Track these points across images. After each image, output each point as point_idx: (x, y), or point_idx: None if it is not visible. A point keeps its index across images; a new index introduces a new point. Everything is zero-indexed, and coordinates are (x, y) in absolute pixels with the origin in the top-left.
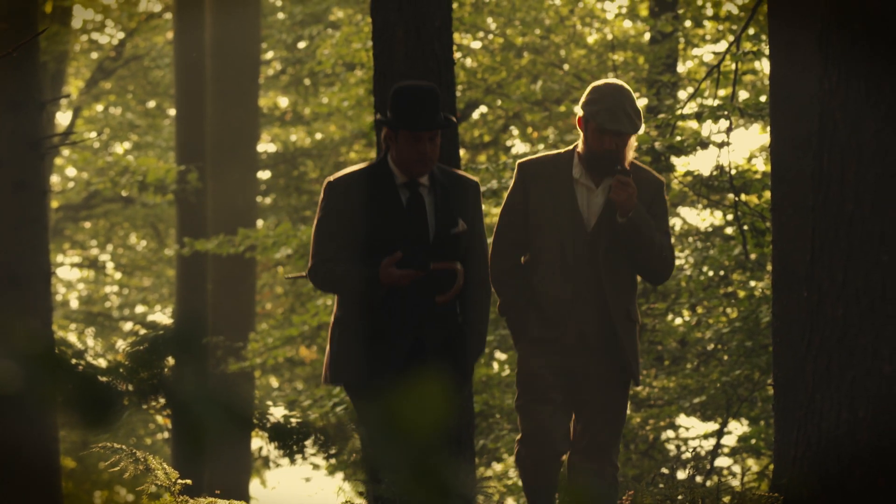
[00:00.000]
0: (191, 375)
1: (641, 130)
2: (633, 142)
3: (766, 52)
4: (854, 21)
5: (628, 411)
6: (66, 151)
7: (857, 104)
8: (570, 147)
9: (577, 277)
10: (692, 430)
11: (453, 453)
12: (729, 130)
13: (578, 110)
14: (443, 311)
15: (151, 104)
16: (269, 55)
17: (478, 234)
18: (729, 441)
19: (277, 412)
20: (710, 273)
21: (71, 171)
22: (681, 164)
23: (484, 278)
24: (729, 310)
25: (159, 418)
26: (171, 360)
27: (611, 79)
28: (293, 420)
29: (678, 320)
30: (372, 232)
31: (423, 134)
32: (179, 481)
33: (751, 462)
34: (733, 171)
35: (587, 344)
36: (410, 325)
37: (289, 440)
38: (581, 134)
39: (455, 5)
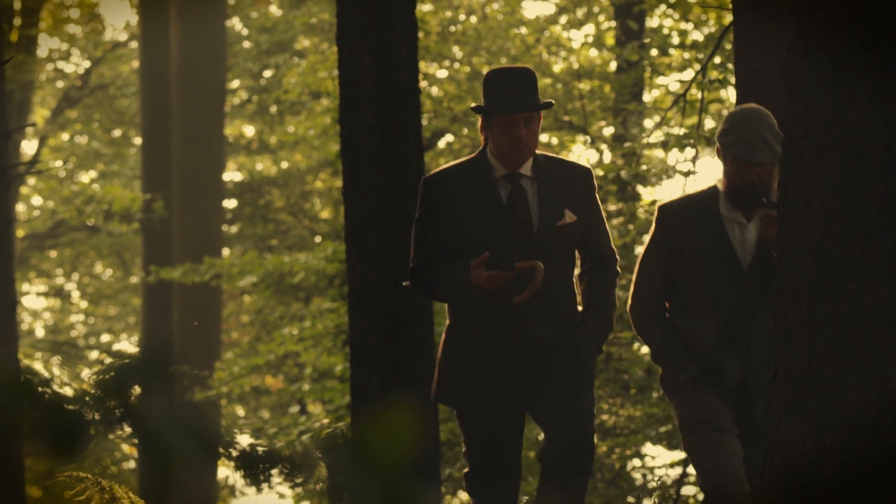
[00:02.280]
0: (158, 403)
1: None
2: (776, 170)
3: (732, 80)
4: (819, 50)
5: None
6: (31, 180)
7: (822, 133)
8: (712, 184)
9: (727, 317)
10: (658, 458)
11: (420, 482)
12: (695, 159)
13: (715, 141)
14: (557, 310)
15: (117, 133)
16: (235, 84)
17: (594, 221)
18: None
19: (244, 440)
20: None
21: (37, 200)
22: (647, 193)
23: (606, 263)
24: None
25: (126, 447)
26: (137, 389)
27: (747, 104)
28: (259, 448)
29: (644, 349)
30: (471, 230)
31: (517, 118)
32: None
33: None
34: None
35: (745, 386)
36: (521, 327)
37: (255, 469)
38: (722, 167)
39: (421, 34)
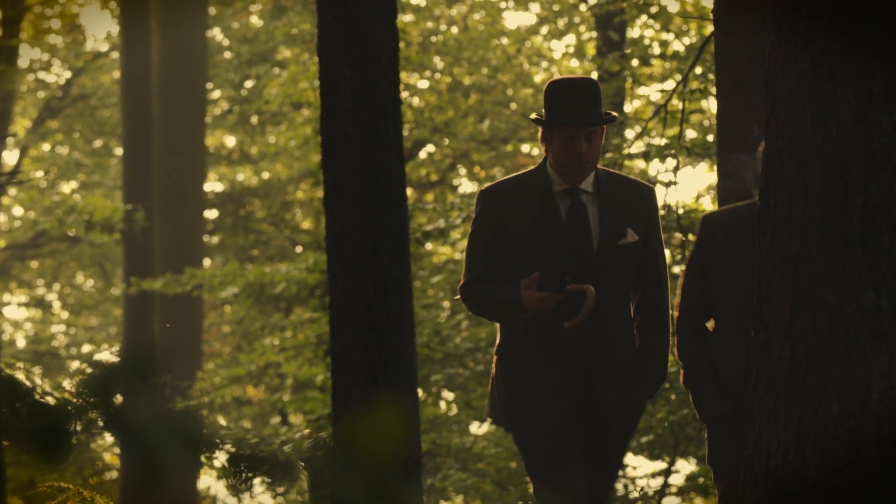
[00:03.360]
0: (141, 409)
1: None
2: None
3: (713, 91)
4: (800, 61)
5: None
6: (12, 190)
7: (803, 144)
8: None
9: None
10: (640, 469)
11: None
12: (676, 169)
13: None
14: (613, 336)
15: (98, 143)
16: (216, 94)
17: (653, 248)
18: (676, 480)
19: (226, 449)
20: None
21: (18, 211)
22: None
23: (660, 299)
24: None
25: (108, 457)
26: (119, 398)
27: None
28: (242, 455)
29: None
30: (526, 247)
31: (578, 132)
32: None
33: (699, 501)
34: (680, 211)
35: None
36: (575, 353)
37: (238, 477)
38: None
39: (402, 44)
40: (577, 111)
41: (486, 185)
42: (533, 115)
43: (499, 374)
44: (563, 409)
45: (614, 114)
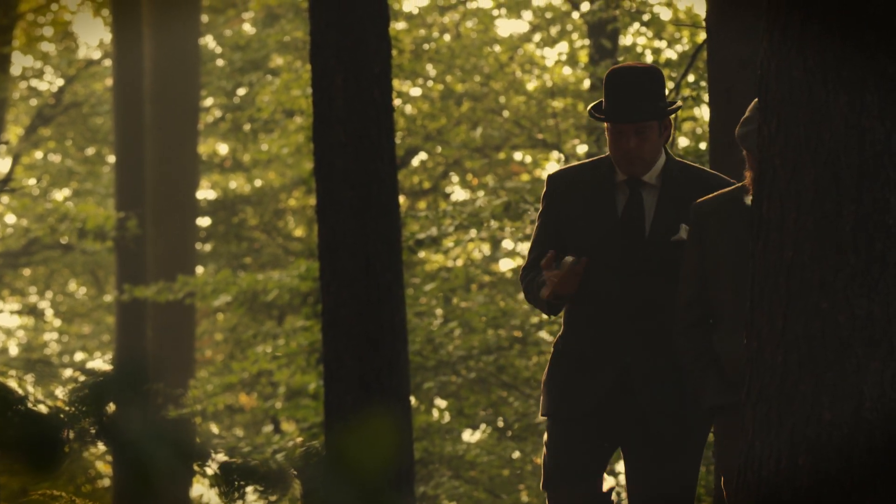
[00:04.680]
0: (134, 418)
1: None
2: None
3: (706, 98)
4: (793, 69)
5: None
6: (5, 198)
7: (796, 151)
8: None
9: None
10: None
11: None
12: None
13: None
14: (661, 338)
15: (91, 151)
16: (209, 102)
17: None
18: None
19: (218, 458)
20: None
21: (10, 218)
22: None
23: None
24: None
25: (100, 465)
26: (112, 406)
27: None
28: (235, 464)
29: None
30: (579, 236)
31: (626, 127)
32: None
33: None
34: None
35: None
36: (614, 350)
37: (231, 485)
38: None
39: (394, 52)
40: (625, 105)
41: (553, 170)
42: (592, 104)
43: (549, 365)
44: (598, 405)
45: (678, 103)
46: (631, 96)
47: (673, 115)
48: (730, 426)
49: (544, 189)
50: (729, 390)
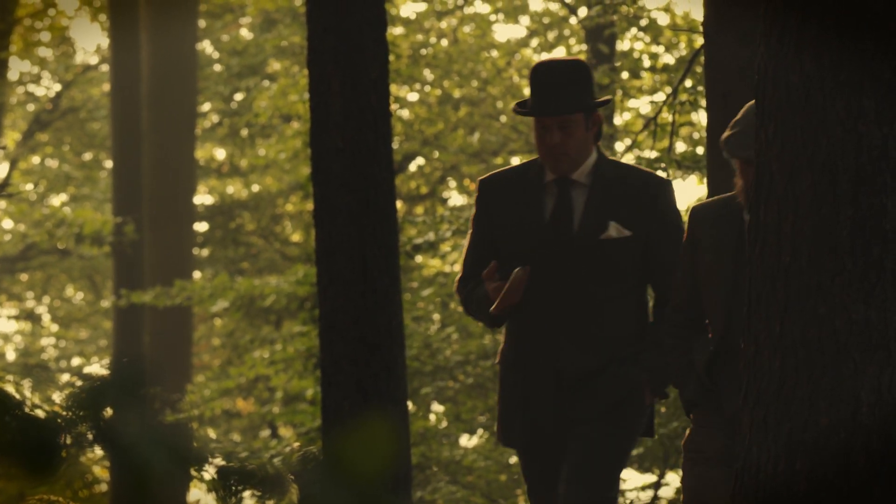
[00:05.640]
0: (131, 422)
1: None
2: None
3: (703, 103)
4: (790, 74)
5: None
6: (2, 203)
7: (792, 156)
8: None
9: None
10: (629, 481)
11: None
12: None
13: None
14: (597, 340)
15: (88, 156)
16: (206, 107)
17: (660, 242)
18: (667, 493)
19: (216, 462)
20: None
21: (7, 223)
22: None
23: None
24: None
25: (97, 470)
26: (109, 411)
27: None
28: (233, 468)
29: None
30: (511, 241)
31: (548, 122)
32: None
33: None
34: None
35: None
36: (548, 355)
37: (228, 490)
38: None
39: (392, 57)
40: (547, 98)
41: (487, 173)
42: (517, 101)
43: (499, 379)
44: (540, 422)
45: (605, 97)
46: (554, 90)
47: (603, 111)
48: (704, 419)
49: (475, 196)
50: (702, 391)
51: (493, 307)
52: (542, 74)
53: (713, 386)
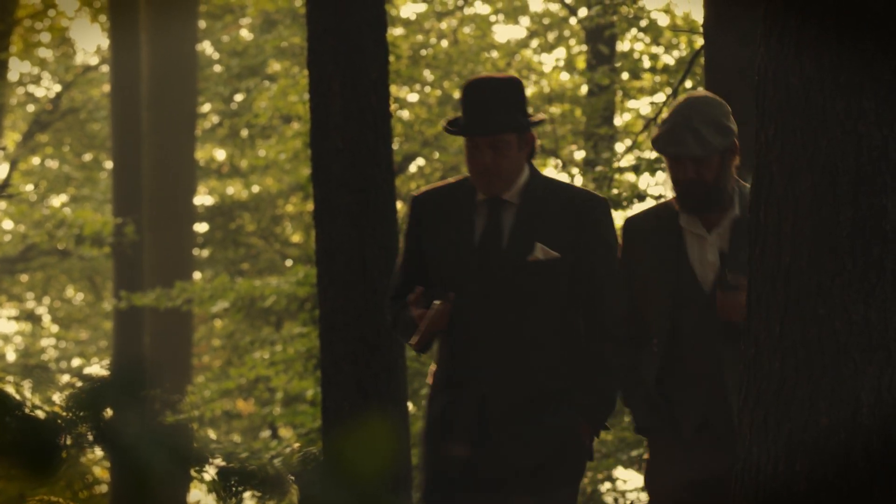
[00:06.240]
0: (131, 423)
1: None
2: (728, 167)
3: None
4: (789, 75)
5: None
6: (2, 204)
7: (793, 157)
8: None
9: (689, 355)
10: (630, 482)
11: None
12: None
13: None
14: (523, 371)
15: (88, 157)
16: (206, 108)
17: (593, 264)
18: None
19: (216, 463)
20: None
21: (7, 224)
22: (619, 216)
23: (602, 331)
24: None
25: (97, 470)
26: (109, 411)
27: (697, 92)
28: (232, 470)
29: None
30: (440, 263)
31: (480, 141)
32: None
33: None
34: None
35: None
36: (473, 380)
37: (228, 491)
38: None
39: (392, 58)
40: (479, 117)
41: (420, 189)
42: (448, 119)
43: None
44: (457, 462)
45: (540, 116)
46: (486, 108)
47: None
48: (658, 446)
49: (407, 211)
50: (654, 412)
51: (413, 338)
52: (474, 92)
53: (665, 403)
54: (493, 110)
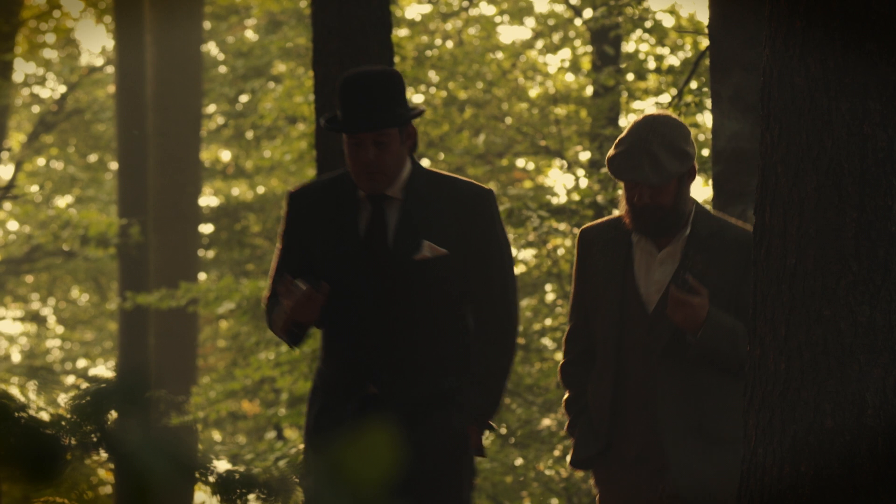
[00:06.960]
0: (135, 427)
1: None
2: (685, 191)
3: (709, 105)
4: (795, 76)
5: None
6: (7, 205)
7: (798, 158)
8: None
9: (629, 376)
10: None
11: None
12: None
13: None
14: (415, 371)
15: (93, 158)
16: (211, 108)
17: (481, 259)
18: None
19: (221, 465)
20: None
21: (13, 225)
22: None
23: (496, 321)
24: None
25: (102, 472)
26: (114, 414)
27: (655, 111)
28: (236, 473)
29: None
30: (324, 259)
31: (363, 138)
32: None
33: None
34: None
35: (649, 460)
36: (358, 374)
37: (232, 494)
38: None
39: (397, 59)
40: (361, 113)
41: (298, 185)
42: (326, 116)
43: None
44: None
45: (420, 108)
46: (367, 103)
47: (417, 121)
48: (601, 478)
49: (284, 208)
50: (592, 440)
51: (277, 320)
52: (353, 87)
53: (607, 433)
54: (376, 105)
